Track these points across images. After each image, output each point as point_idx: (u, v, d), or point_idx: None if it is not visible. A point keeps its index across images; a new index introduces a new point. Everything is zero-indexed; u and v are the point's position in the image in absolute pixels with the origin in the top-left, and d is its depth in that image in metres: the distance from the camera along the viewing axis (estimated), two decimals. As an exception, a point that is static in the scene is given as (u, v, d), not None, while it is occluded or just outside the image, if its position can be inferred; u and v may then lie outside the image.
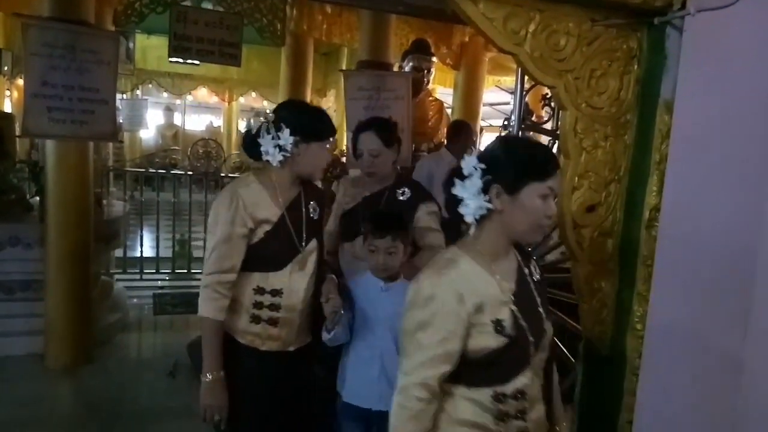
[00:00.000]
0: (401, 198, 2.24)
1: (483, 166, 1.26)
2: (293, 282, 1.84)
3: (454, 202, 1.32)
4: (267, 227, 1.79)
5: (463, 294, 1.25)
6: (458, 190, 1.29)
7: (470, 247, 1.33)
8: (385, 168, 2.23)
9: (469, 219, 1.30)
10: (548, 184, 1.25)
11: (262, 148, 1.76)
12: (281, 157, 1.74)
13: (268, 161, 1.78)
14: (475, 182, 1.26)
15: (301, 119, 1.78)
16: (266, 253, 1.80)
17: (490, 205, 1.27)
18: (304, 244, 1.85)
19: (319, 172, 1.90)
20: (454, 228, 1.52)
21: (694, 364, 1.46)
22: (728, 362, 1.38)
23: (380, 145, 2.18)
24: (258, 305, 1.83)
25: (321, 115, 1.87)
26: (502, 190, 1.26)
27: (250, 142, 1.80)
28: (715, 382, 1.42)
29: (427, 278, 1.31)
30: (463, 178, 1.29)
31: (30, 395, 3.28)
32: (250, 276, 1.80)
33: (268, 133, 1.74)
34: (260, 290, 1.82)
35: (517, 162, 1.26)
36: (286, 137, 1.72)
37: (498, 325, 1.26)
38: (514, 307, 1.29)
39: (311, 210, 1.91)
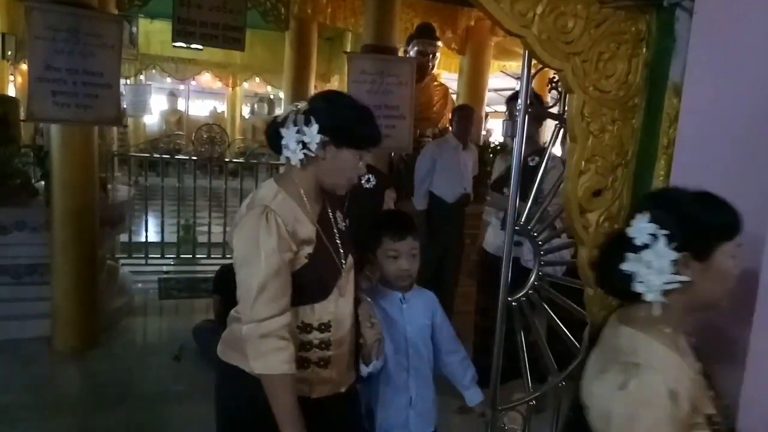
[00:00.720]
0: (367, 186, 2.23)
1: (666, 231, 1.05)
2: (339, 310, 1.56)
3: (620, 277, 1.10)
4: (308, 249, 1.48)
5: (678, 392, 1.03)
6: (633, 265, 1.07)
7: (657, 328, 1.10)
8: None
9: (651, 297, 1.08)
10: (737, 242, 1.09)
11: (282, 141, 1.46)
12: (302, 156, 1.44)
13: (288, 159, 1.47)
14: (663, 253, 1.05)
15: (339, 117, 1.46)
16: (310, 280, 1.49)
17: (683, 278, 1.06)
18: (343, 262, 1.58)
19: (343, 187, 1.55)
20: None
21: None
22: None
23: None
24: (306, 346, 1.52)
25: (366, 118, 1.50)
26: (691, 257, 1.06)
27: (274, 132, 1.49)
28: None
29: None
30: (635, 249, 1.07)
31: (37, 378, 3.31)
32: (291, 312, 1.47)
33: (295, 124, 1.44)
34: (306, 327, 1.52)
35: (710, 222, 1.07)
36: (313, 134, 1.42)
37: (710, 421, 1.08)
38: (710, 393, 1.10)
39: (339, 220, 1.63)
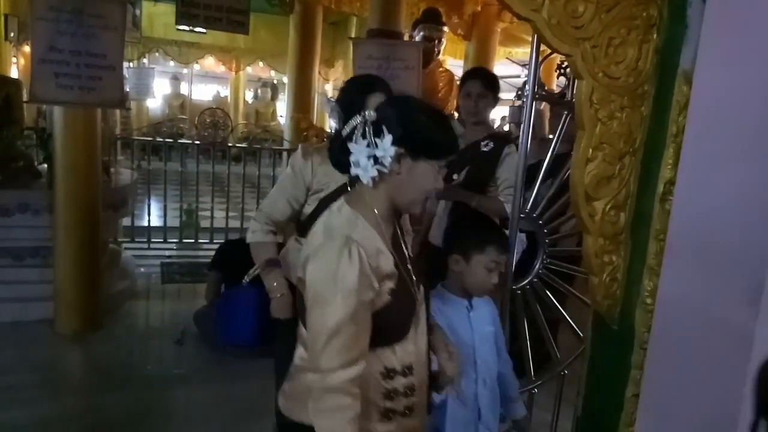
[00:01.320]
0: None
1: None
2: (418, 348, 1.41)
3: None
4: (391, 283, 1.30)
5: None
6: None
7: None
8: None
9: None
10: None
11: (351, 158, 1.27)
12: (375, 173, 1.26)
13: (356, 177, 1.29)
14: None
15: (413, 125, 1.29)
16: (393, 319, 1.32)
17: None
18: (418, 292, 1.42)
19: (420, 204, 1.37)
20: None
21: (703, 340, 1.45)
22: (738, 338, 1.37)
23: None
24: (390, 395, 1.35)
25: (442, 125, 1.35)
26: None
27: (340, 147, 1.32)
28: (724, 358, 1.41)
29: None
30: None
31: (40, 360, 3.33)
32: (372, 356, 1.29)
33: (364, 137, 1.27)
34: (390, 373, 1.35)
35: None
36: (387, 146, 1.24)
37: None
38: None
39: (406, 245, 1.49)
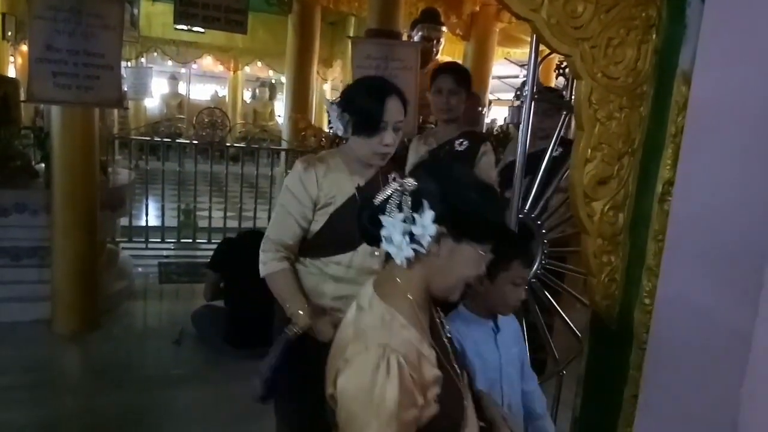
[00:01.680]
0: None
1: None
2: None
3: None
4: (436, 389, 1.11)
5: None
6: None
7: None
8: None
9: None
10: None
11: (383, 232, 1.10)
12: (410, 253, 1.09)
13: (388, 255, 1.14)
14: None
15: (460, 203, 1.10)
16: (443, 428, 1.16)
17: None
18: (464, 389, 1.26)
19: (458, 291, 1.20)
20: None
21: (702, 341, 1.45)
22: (737, 340, 1.36)
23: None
24: None
25: (493, 204, 1.18)
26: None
27: (370, 217, 1.14)
28: (722, 359, 1.41)
29: None
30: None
31: (37, 361, 3.32)
32: None
33: (400, 209, 1.09)
34: None
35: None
36: (427, 224, 1.07)
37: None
38: None
39: (445, 330, 1.32)
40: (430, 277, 1.15)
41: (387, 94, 1.76)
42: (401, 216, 1.09)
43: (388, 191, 1.13)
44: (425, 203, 1.07)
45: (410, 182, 1.11)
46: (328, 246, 1.84)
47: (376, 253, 1.79)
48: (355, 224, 1.19)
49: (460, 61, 6.68)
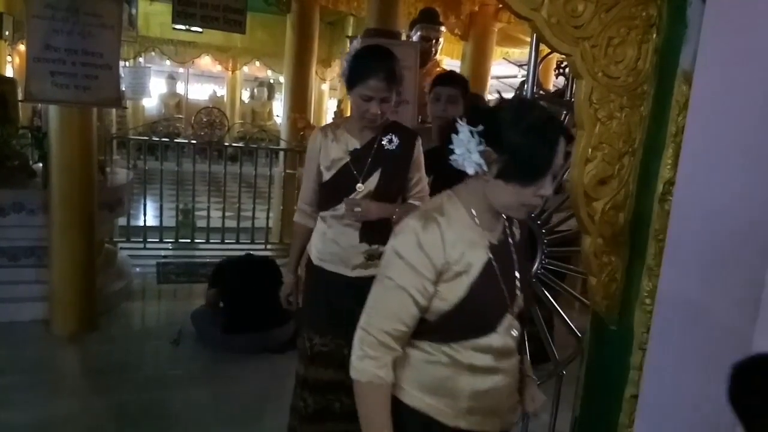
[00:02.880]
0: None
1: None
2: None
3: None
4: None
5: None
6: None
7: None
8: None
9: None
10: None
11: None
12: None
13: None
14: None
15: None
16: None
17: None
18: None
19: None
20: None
21: (702, 341, 1.45)
22: (737, 340, 1.36)
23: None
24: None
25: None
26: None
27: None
28: (723, 359, 1.41)
29: None
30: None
31: (35, 361, 3.31)
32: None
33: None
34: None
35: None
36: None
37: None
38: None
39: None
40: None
41: (559, 135, 1.30)
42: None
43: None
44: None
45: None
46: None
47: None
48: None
49: (458, 62, 6.69)
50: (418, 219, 1.30)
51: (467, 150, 1.24)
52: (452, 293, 1.28)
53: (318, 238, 2.19)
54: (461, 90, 2.64)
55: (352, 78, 1.98)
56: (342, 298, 2.11)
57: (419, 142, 2.17)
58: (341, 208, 2.08)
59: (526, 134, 1.22)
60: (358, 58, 2.03)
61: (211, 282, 3.86)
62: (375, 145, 2.08)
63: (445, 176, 2.43)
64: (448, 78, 2.77)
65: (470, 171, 1.25)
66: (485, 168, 1.24)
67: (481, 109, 1.32)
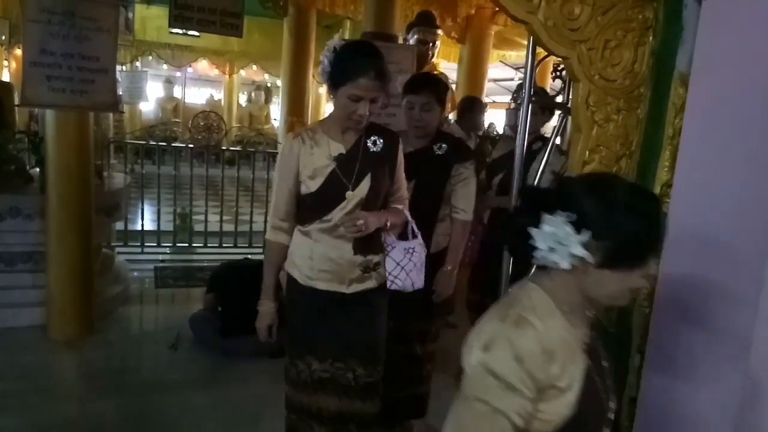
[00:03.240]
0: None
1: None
2: None
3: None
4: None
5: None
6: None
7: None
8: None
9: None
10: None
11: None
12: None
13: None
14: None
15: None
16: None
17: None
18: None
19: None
20: None
21: (700, 344, 1.45)
22: (736, 342, 1.36)
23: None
24: None
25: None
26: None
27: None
28: (721, 361, 1.41)
29: None
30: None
31: (32, 366, 3.29)
32: None
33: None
34: None
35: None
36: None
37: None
38: None
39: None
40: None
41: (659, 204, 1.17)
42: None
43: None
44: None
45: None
46: None
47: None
48: None
49: (455, 65, 6.69)
50: (511, 325, 1.09)
51: (560, 243, 1.06)
52: (556, 413, 1.11)
53: (301, 255, 2.01)
54: (435, 95, 2.43)
55: (338, 77, 1.82)
56: (339, 317, 2.00)
57: (401, 144, 2.06)
58: (330, 219, 1.93)
59: (631, 212, 1.05)
60: (344, 55, 1.83)
61: (208, 287, 3.86)
62: (361, 148, 1.95)
63: (426, 183, 2.46)
64: (419, 85, 2.52)
65: (565, 265, 1.07)
66: (590, 260, 1.05)
67: (558, 193, 1.13)
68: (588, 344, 1.16)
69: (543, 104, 2.54)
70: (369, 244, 1.98)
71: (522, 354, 1.04)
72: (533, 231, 1.08)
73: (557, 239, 1.06)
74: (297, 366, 2.05)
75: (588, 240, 1.04)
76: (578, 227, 1.04)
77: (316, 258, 1.96)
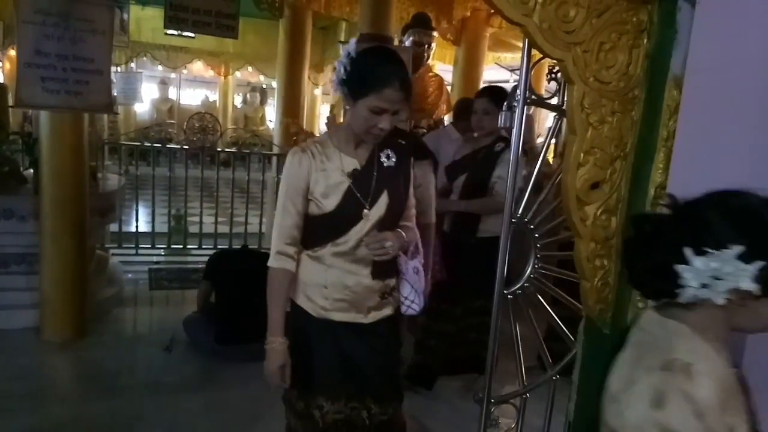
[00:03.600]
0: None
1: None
2: None
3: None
4: None
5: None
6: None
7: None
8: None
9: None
10: None
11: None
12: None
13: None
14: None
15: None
16: None
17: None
18: None
19: None
20: None
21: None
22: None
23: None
24: None
25: None
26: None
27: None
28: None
29: None
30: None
31: (26, 368, 3.28)
32: None
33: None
34: None
35: None
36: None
37: None
38: None
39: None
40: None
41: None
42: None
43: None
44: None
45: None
46: None
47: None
48: None
49: (450, 66, 6.71)
50: (681, 374, 0.97)
51: (717, 278, 0.97)
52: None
53: (313, 283, 1.80)
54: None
55: (359, 86, 1.64)
56: (355, 351, 1.82)
57: (412, 157, 1.91)
58: (346, 242, 1.75)
59: None
60: (366, 62, 1.66)
61: (204, 273, 3.82)
62: (376, 164, 1.78)
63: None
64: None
65: (720, 301, 0.97)
66: (757, 292, 0.95)
67: (704, 222, 1.03)
68: (741, 383, 1.08)
69: (539, 106, 2.55)
70: (387, 267, 1.82)
71: (703, 409, 0.93)
72: (682, 269, 0.98)
73: (718, 275, 0.96)
74: (300, 405, 1.88)
75: (757, 272, 0.94)
76: (748, 259, 0.95)
77: (330, 286, 1.78)
